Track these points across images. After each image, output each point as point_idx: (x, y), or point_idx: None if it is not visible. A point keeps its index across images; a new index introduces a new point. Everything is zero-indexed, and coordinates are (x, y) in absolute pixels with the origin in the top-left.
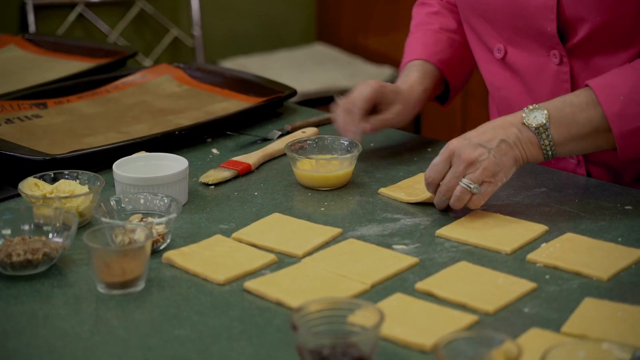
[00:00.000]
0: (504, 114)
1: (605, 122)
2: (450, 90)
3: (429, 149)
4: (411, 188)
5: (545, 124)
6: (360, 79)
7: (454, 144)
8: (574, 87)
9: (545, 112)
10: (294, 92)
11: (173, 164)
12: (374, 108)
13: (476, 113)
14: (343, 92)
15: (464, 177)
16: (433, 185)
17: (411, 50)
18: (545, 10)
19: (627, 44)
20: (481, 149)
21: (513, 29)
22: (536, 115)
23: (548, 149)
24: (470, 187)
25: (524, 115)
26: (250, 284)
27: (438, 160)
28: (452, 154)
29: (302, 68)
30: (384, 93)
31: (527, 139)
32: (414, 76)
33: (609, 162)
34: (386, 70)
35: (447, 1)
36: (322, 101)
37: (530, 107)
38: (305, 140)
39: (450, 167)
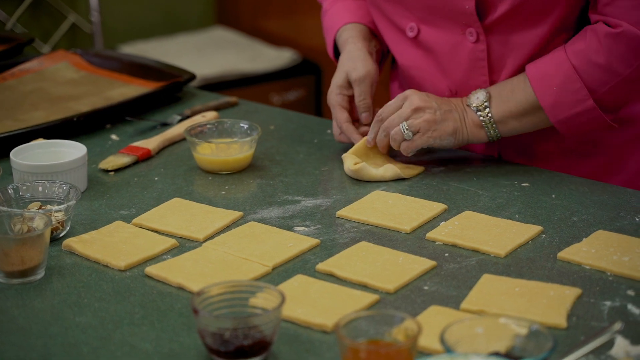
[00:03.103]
0: None
1: None
2: (382, 55)
3: (329, 131)
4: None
5: (485, 102)
6: (260, 62)
7: (411, 91)
8: (490, 65)
9: (486, 92)
10: (192, 77)
11: (72, 150)
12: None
13: (376, 95)
14: (243, 75)
15: (406, 121)
16: (381, 123)
17: (337, 17)
18: None
19: (544, 19)
20: (432, 103)
21: (426, 7)
22: (478, 96)
23: (489, 127)
24: (404, 131)
25: (469, 97)
26: (151, 269)
27: (392, 102)
28: (405, 98)
29: (202, 52)
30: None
31: (471, 120)
32: (355, 37)
33: (520, 141)
34: (286, 53)
35: None
36: (223, 85)
37: (475, 90)
38: (205, 125)
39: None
